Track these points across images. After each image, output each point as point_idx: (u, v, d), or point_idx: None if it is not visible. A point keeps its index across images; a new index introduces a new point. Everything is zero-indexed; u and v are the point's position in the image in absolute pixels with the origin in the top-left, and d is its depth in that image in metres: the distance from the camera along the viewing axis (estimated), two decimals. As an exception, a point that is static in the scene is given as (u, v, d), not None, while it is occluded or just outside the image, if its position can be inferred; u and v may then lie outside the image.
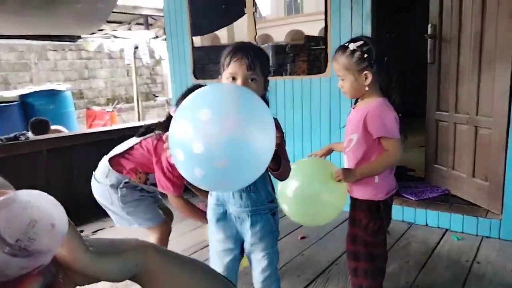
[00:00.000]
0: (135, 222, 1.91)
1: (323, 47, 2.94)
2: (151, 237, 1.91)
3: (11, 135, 2.83)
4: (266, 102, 1.36)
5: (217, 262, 1.40)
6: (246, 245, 1.37)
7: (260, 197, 1.32)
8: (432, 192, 2.84)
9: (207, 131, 0.81)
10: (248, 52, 1.22)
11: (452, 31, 2.70)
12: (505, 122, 2.33)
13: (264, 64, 1.26)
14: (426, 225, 2.63)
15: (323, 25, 2.87)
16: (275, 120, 1.32)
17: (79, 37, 6.37)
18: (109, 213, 1.94)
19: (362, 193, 1.54)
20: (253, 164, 0.88)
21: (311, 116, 3.01)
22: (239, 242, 1.39)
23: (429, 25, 2.83)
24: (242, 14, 3.54)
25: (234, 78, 1.23)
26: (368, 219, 1.54)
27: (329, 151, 1.76)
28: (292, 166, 1.41)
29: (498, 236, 2.38)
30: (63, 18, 5.02)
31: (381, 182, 1.51)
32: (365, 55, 1.45)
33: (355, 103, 1.62)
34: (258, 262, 1.37)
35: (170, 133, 0.89)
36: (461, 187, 2.75)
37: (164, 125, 1.82)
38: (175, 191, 1.77)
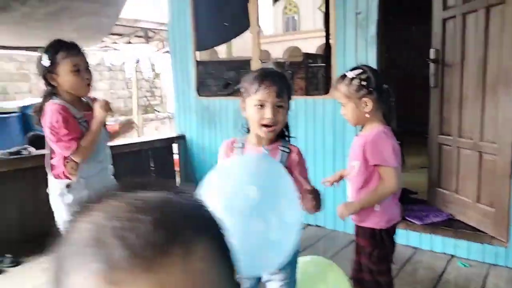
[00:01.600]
0: None
1: (323, 65, 2.94)
2: None
3: (13, 149, 2.80)
4: (287, 125, 1.42)
5: None
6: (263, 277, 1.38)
7: None
8: (436, 216, 2.83)
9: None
10: (276, 80, 1.27)
11: (455, 56, 2.74)
12: (509, 150, 2.35)
13: (289, 90, 1.32)
14: (431, 250, 2.61)
15: (320, 42, 2.89)
16: (296, 150, 1.36)
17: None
18: None
19: (364, 221, 1.56)
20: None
21: (315, 138, 2.98)
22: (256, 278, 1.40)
23: (432, 50, 2.87)
24: (245, 29, 3.51)
25: (262, 105, 1.26)
26: (372, 247, 1.55)
27: (341, 177, 1.76)
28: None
29: (505, 264, 2.37)
30: (66, 31, 5.03)
31: (382, 210, 1.52)
32: (364, 83, 1.49)
33: (360, 130, 1.64)
34: None
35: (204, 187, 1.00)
36: (465, 212, 2.75)
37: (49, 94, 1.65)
38: (68, 148, 1.60)
